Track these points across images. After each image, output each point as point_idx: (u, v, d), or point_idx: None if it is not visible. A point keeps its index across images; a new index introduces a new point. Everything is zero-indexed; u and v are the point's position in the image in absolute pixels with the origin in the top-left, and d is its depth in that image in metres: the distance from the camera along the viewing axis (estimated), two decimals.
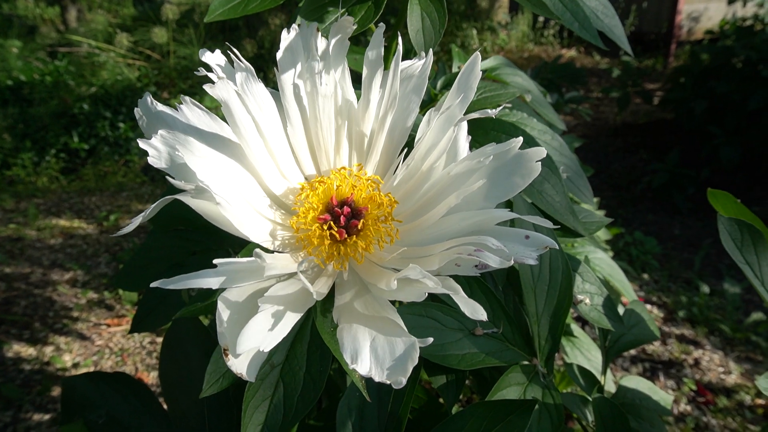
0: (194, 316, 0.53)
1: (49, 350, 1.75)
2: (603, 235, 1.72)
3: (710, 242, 2.33)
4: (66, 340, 1.80)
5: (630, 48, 0.48)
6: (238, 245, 0.77)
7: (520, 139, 0.30)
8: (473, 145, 0.53)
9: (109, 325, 1.87)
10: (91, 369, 1.72)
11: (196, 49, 3.94)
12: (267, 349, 0.26)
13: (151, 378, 1.68)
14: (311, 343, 0.42)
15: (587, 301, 0.56)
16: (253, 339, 0.25)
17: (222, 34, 4.29)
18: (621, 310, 0.69)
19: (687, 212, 2.59)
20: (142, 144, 0.29)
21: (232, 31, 4.36)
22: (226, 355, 0.25)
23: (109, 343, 1.80)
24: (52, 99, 3.42)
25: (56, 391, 1.62)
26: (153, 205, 0.28)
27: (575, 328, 1.06)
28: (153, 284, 0.26)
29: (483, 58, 0.75)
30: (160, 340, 1.83)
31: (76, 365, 1.72)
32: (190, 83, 3.95)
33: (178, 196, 0.28)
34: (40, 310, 1.93)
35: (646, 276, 2.10)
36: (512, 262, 0.26)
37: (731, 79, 2.52)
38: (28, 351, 1.74)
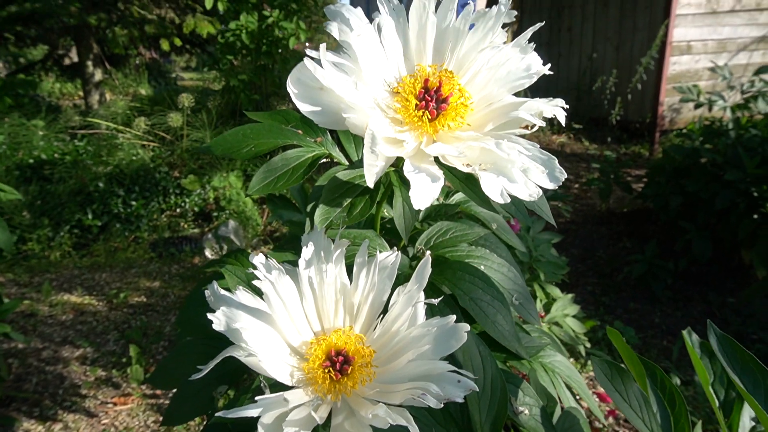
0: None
1: (57, 428, 1.84)
2: (579, 328, 1.86)
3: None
4: (74, 418, 1.89)
5: (554, 221, 0.66)
6: None
7: (453, 316, 0.47)
8: (443, 283, 0.69)
9: (115, 404, 1.97)
10: None
11: (208, 132, 4.24)
12: None
13: None
14: None
15: (526, 411, 0.70)
16: None
17: (232, 119, 4.62)
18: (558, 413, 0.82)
19: (666, 301, 2.74)
20: (210, 315, 0.46)
21: (241, 116, 4.69)
22: None
23: (114, 422, 1.89)
24: (71, 178, 3.65)
25: None
26: (220, 354, 0.44)
27: None
28: (218, 414, 0.42)
29: (455, 191, 0.92)
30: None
31: None
32: (200, 163, 4.20)
33: (233, 354, 0.44)
34: (50, 387, 2.04)
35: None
36: (442, 404, 0.41)
37: (700, 179, 2.74)
38: (37, 429, 1.83)
